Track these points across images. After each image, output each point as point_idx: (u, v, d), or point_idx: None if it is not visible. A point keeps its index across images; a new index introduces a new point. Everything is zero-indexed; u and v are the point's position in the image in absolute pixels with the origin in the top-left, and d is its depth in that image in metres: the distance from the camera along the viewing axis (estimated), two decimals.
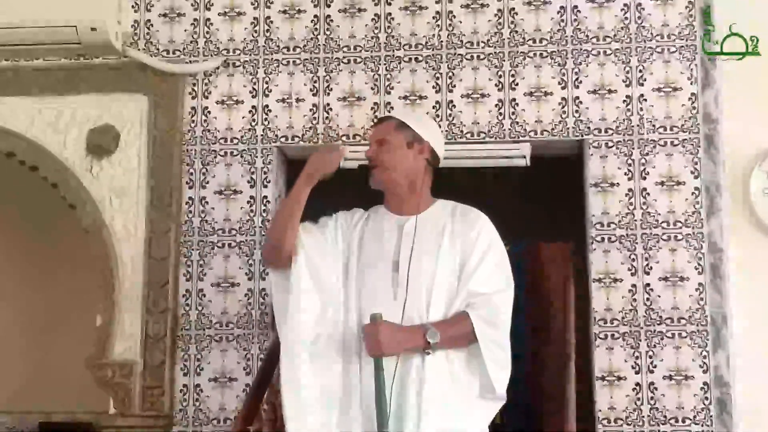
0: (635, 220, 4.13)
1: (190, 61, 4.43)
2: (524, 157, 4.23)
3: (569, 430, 3.59)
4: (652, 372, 4.02)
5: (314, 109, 4.35)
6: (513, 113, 4.26)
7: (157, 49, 4.46)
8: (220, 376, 4.20)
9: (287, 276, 3.14)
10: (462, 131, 4.24)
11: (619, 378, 4.03)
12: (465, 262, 3.04)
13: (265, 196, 4.32)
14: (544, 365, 3.99)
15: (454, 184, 3.49)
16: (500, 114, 4.26)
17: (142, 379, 4.22)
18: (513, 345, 3.06)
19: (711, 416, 3.96)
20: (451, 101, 4.28)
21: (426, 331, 2.94)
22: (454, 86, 4.29)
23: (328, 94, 4.34)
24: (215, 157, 4.37)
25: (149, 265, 4.30)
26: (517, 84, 4.27)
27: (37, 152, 4.44)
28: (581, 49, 4.26)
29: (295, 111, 4.35)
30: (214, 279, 4.28)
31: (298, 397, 3.05)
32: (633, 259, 4.10)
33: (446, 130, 4.21)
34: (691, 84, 4.19)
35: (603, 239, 4.13)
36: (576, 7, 4.29)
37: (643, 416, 4.00)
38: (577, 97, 4.24)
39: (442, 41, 4.33)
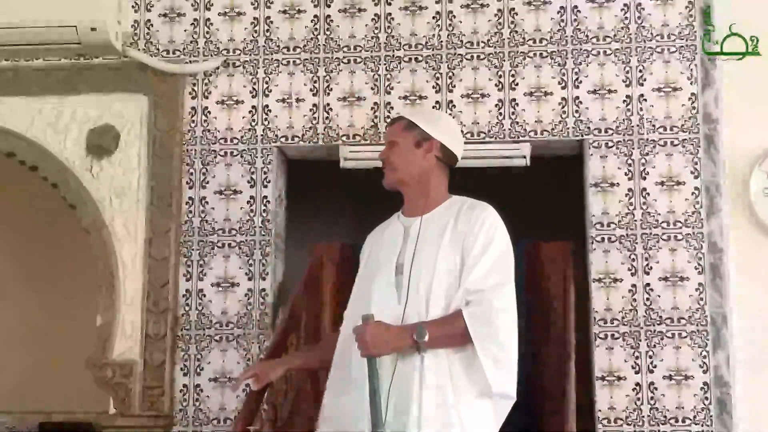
0: (635, 220, 4.13)
1: (190, 61, 4.43)
2: (524, 157, 4.23)
3: (569, 430, 3.59)
4: (652, 372, 4.02)
5: (314, 109, 4.35)
6: (513, 113, 4.26)
7: (157, 49, 4.46)
8: (220, 376, 4.21)
9: None
10: (462, 131, 4.23)
11: (619, 378, 4.03)
12: (465, 258, 3.02)
13: (265, 196, 4.32)
14: (544, 365, 3.99)
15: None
16: (500, 114, 4.26)
17: (142, 379, 4.22)
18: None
19: (711, 416, 3.97)
20: (451, 101, 4.28)
21: (414, 331, 2.93)
22: (454, 86, 4.29)
23: (328, 94, 4.35)
24: (215, 157, 4.37)
25: (149, 265, 4.31)
26: (517, 84, 4.27)
27: (37, 152, 4.44)
28: (581, 49, 4.26)
29: (295, 111, 4.36)
30: (214, 279, 4.28)
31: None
32: (633, 259, 4.10)
33: None
34: (691, 84, 4.19)
35: (603, 239, 4.13)
36: (576, 7, 4.29)
37: (643, 416, 4.00)
38: (577, 97, 4.24)
39: (442, 41, 4.33)
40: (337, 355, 3.12)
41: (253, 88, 4.39)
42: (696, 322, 4.04)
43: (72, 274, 5.64)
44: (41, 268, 5.88)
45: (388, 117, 4.29)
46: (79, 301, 5.31)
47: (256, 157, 4.35)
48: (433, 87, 4.30)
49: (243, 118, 4.38)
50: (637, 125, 4.19)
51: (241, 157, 4.36)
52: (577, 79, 4.25)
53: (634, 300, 4.07)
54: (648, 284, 4.08)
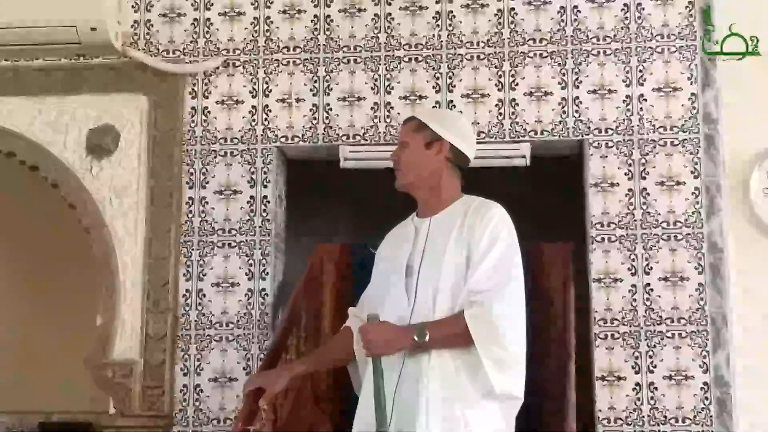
0: (635, 220, 4.13)
1: (190, 61, 4.43)
2: (524, 157, 4.23)
3: (569, 430, 3.59)
4: (652, 372, 4.02)
5: (314, 109, 4.35)
6: (513, 113, 4.26)
7: (157, 49, 4.46)
8: (220, 376, 4.21)
9: None
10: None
11: (619, 378, 4.03)
12: (470, 258, 3.02)
13: (265, 196, 4.32)
14: (544, 365, 3.99)
15: None
16: (500, 114, 4.26)
17: (142, 379, 4.22)
18: None
19: (711, 416, 3.96)
20: (451, 101, 4.28)
21: (415, 331, 2.93)
22: (454, 86, 4.29)
23: (328, 94, 4.34)
24: (215, 157, 4.37)
25: (149, 265, 4.31)
26: (517, 84, 4.27)
27: (37, 152, 4.44)
28: (581, 49, 4.26)
29: (295, 111, 4.35)
30: (214, 279, 4.28)
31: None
32: (633, 259, 4.10)
33: None
34: (691, 84, 4.19)
35: (603, 239, 4.13)
36: (576, 7, 4.29)
37: (643, 416, 4.00)
38: (577, 97, 4.24)
39: (442, 41, 4.33)
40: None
41: (253, 88, 4.39)
42: (696, 322, 4.04)
43: (72, 274, 5.64)
44: (41, 268, 5.88)
45: (388, 117, 4.29)
46: (79, 301, 5.31)
47: (256, 157, 4.35)
48: (433, 87, 4.30)
49: (243, 118, 4.38)
50: (637, 125, 4.19)
51: (241, 157, 4.36)
52: (577, 79, 4.25)
53: (634, 300, 4.07)
54: (648, 284, 4.08)
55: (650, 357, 4.03)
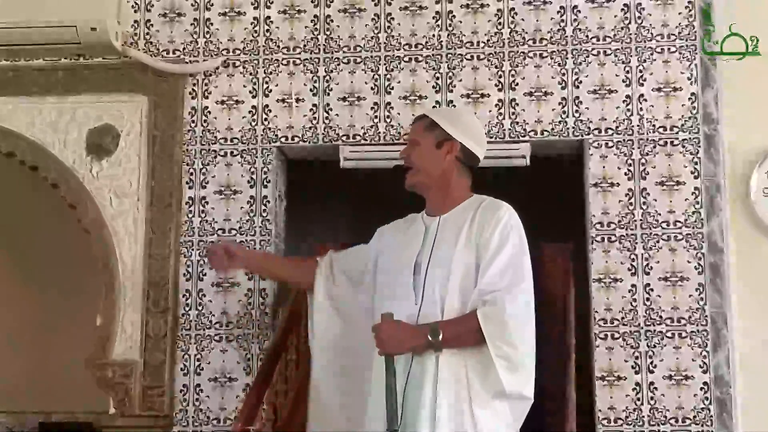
0: (635, 220, 4.13)
1: (190, 61, 4.43)
2: (524, 157, 4.23)
3: (569, 430, 3.59)
4: (652, 372, 4.02)
5: (314, 109, 4.35)
6: (513, 113, 4.26)
7: (157, 49, 4.46)
8: (220, 376, 4.20)
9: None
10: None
11: (619, 378, 4.03)
12: (481, 258, 3.02)
13: (265, 196, 4.32)
14: (544, 365, 3.98)
15: None
16: (500, 114, 4.26)
17: (142, 379, 4.22)
18: None
19: (711, 416, 3.96)
20: (451, 101, 4.28)
21: (428, 330, 2.93)
22: (454, 86, 4.29)
23: (328, 94, 4.34)
24: (215, 157, 4.37)
25: (149, 265, 4.30)
26: (517, 84, 4.27)
27: (37, 152, 4.44)
28: (581, 49, 4.26)
29: (295, 111, 4.35)
30: (214, 279, 4.28)
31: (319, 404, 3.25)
32: (633, 259, 4.10)
33: None
34: (691, 84, 4.19)
35: (603, 239, 4.13)
36: (576, 7, 4.29)
37: (643, 416, 3.99)
38: (577, 97, 4.24)
39: (442, 41, 4.33)
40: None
41: (253, 88, 4.39)
42: (696, 322, 4.03)
43: (72, 274, 5.64)
44: (41, 268, 5.87)
45: (388, 117, 4.29)
46: (79, 301, 5.31)
47: (256, 157, 4.35)
48: (433, 87, 4.30)
49: (243, 118, 4.38)
50: (637, 125, 4.19)
51: (241, 157, 4.36)
52: (577, 79, 4.25)
53: (634, 300, 4.07)
54: (648, 284, 4.08)
55: (650, 357, 4.03)
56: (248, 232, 4.29)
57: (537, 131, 4.24)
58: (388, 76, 4.33)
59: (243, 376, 4.17)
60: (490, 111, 4.26)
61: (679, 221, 4.11)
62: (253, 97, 4.39)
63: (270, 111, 4.37)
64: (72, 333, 5.41)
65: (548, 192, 4.90)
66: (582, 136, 4.22)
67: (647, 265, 4.09)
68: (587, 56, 4.26)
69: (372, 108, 4.32)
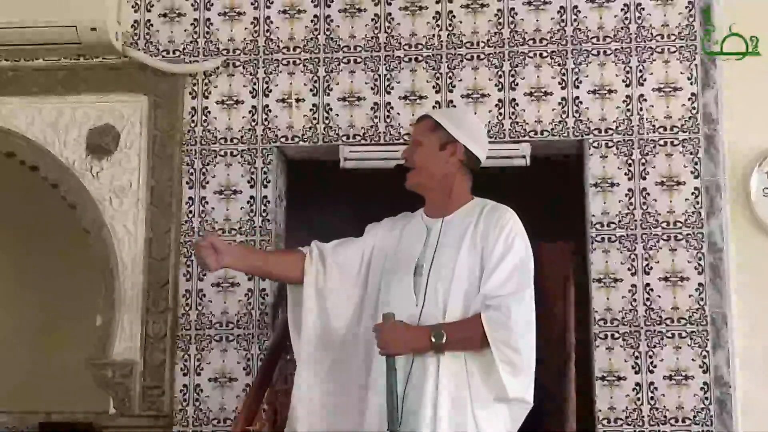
0: (635, 220, 4.13)
1: (190, 61, 4.43)
2: (524, 157, 4.23)
3: (569, 430, 3.59)
4: (652, 372, 4.02)
5: (314, 109, 4.35)
6: (513, 113, 4.26)
7: (157, 49, 4.45)
8: (220, 376, 4.20)
9: (300, 291, 3.30)
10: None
11: (619, 378, 4.03)
12: (484, 263, 3.02)
13: (265, 196, 4.32)
14: (544, 365, 3.98)
15: None
16: (500, 114, 4.26)
17: (142, 379, 4.22)
18: None
19: (711, 416, 3.96)
20: (451, 101, 4.28)
21: (433, 332, 2.93)
22: (454, 86, 4.29)
23: (328, 94, 4.34)
24: (215, 157, 4.37)
25: (149, 265, 4.30)
26: (517, 84, 4.27)
27: (37, 152, 4.44)
28: (581, 49, 4.26)
29: (295, 111, 4.35)
30: (214, 279, 4.27)
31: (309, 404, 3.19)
32: (633, 259, 4.10)
33: None
34: (691, 84, 4.19)
35: (603, 239, 4.13)
36: (576, 7, 4.28)
37: (643, 416, 3.99)
38: (577, 97, 4.24)
39: (442, 41, 4.33)
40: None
41: (253, 88, 4.39)
42: (696, 322, 4.03)
43: (72, 274, 5.64)
44: (41, 268, 5.88)
45: (388, 117, 4.29)
46: (79, 301, 5.31)
47: (256, 157, 4.35)
48: (433, 87, 4.30)
49: (243, 118, 4.38)
50: (637, 125, 4.19)
51: (241, 157, 4.35)
52: (577, 79, 4.25)
53: (634, 300, 4.07)
54: (648, 284, 4.08)
55: (650, 357, 4.03)
56: (248, 232, 4.29)
57: (537, 131, 4.24)
58: (388, 76, 4.33)
59: (243, 376, 4.17)
60: (490, 111, 4.26)
61: (679, 221, 4.11)
62: (253, 97, 4.39)
63: (270, 111, 4.37)
64: (72, 333, 5.42)
65: (548, 192, 4.89)
66: (582, 136, 4.22)
67: (647, 265, 4.09)
68: (587, 56, 4.26)
69: (372, 108, 4.32)
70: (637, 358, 4.03)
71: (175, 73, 4.41)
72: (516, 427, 3.02)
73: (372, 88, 4.33)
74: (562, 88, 4.25)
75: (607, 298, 4.08)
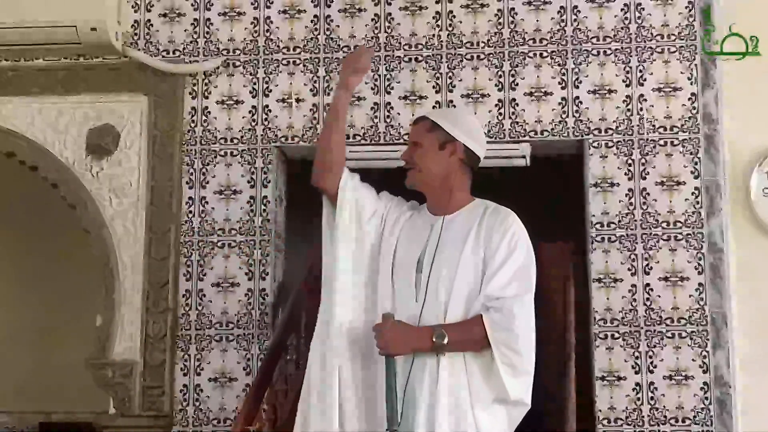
0: (635, 220, 4.13)
1: (190, 61, 4.43)
2: (524, 157, 4.23)
3: (569, 430, 3.58)
4: (652, 372, 4.02)
5: (314, 109, 4.35)
6: (513, 113, 4.26)
7: (157, 49, 4.46)
8: (220, 376, 4.21)
9: (333, 215, 3.26)
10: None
11: (619, 378, 4.03)
12: (487, 264, 3.02)
13: (265, 196, 4.32)
14: (544, 365, 3.98)
15: None
16: (500, 114, 4.26)
17: (142, 379, 4.22)
18: None
19: (711, 416, 3.97)
20: (451, 101, 4.28)
21: (434, 333, 2.93)
22: (454, 86, 4.29)
23: (328, 94, 4.34)
24: (215, 157, 4.37)
25: (149, 265, 4.31)
26: (517, 84, 4.27)
27: (37, 152, 4.44)
28: (581, 49, 4.26)
29: (295, 111, 4.35)
30: (214, 279, 4.28)
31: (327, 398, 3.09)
32: (633, 259, 4.10)
33: None
34: (691, 84, 4.19)
35: (603, 239, 4.13)
36: (576, 7, 4.29)
37: (643, 416, 4.00)
38: (577, 97, 4.24)
39: (442, 41, 4.33)
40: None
41: (253, 88, 4.39)
42: (696, 322, 4.04)
43: (72, 274, 5.65)
44: (41, 268, 5.88)
45: (388, 117, 4.29)
46: (79, 301, 5.32)
47: (256, 157, 4.35)
48: (433, 87, 4.30)
49: (243, 118, 4.38)
50: (637, 125, 4.19)
51: (241, 157, 4.36)
52: (577, 79, 4.25)
53: (634, 300, 4.07)
54: (648, 284, 4.08)
55: (650, 357, 4.03)
56: (248, 232, 4.30)
57: (537, 131, 4.24)
58: (388, 76, 4.33)
59: (243, 376, 4.18)
60: (490, 111, 4.26)
61: (679, 221, 4.11)
62: (253, 97, 4.39)
63: (270, 111, 4.37)
64: (72, 333, 5.42)
65: (548, 192, 4.89)
66: (582, 136, 4.22)
67: (647, 265, 4.09)
68: (587, 56, 4.26)
69: (372, 108, 4.32)
70: (637, 358, 4.03)
71: (175, 73, 4.41)
72: (513, 427, 3.02)
73: (372, 88, 4.33)
74: (562, 88, 4.25)
75: (607, 298, 4.09)
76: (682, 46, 4.22)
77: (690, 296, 4.05)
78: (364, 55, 3.21)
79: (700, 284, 4.06)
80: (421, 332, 2.95)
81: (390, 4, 4.36)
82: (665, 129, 4.18)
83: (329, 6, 4.40)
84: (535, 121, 4.24)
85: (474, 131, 3.23)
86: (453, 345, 2.93)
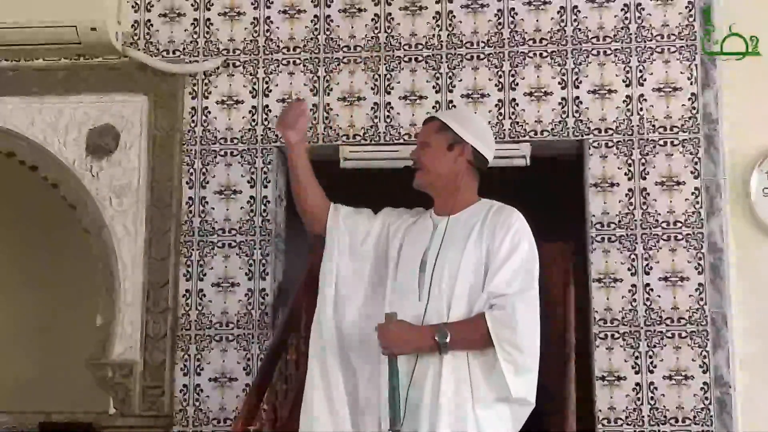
0: (635, 220, 4.13)
1: (190, 61, 4.43)
2: (524, 157, 4.23)
3: (569, 430, 3.58)
4: (652, 372, 4.02)
5: (314, 109, 4.35)
6: (513, 113, 4.26)
7: (157, 49, 4.46)
8: (220, 376, 4.21)
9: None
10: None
11: (619, 378, 4.03)
12: (490, 262, 3.02)
13: (265, 196, 4.32)
14: (544, 365, 3.98)
15: None
16: (500, 114, 4.26)
17: (142, 379, 4.22)
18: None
19: (711, 416, 3.96)
20: (451, 101, 4.28)
21: (436, 332, 2.93)
22: (454, 86, 4.29)
23: (328, 94, 4.34)
24: (215, 157, 4.37)
25: (149, 265, 4.31)
26: (517, 84, 4.27)
27: (37, 152, 4.44)
28: (581, 49, 4.26)
29: None
30: (214, 279, 4.28)
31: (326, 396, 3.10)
32: (633, 259, 4.10)
33: None
34: (691, 84, 4.19)
35: (603, 239, 4.13)
36: (576, 7, 4.29)
37: (643, 416, 4.00)
38: (577, 97, 4.24)
39: (442, 41, 4.33)
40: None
41: (253, 88, 4.39)
42: (696, 322, 4.04)
43: (72, 274, 5.64)
44: (41, 268, 5.88)
45: (388, 117, 4.29)
46: (79, 301, 5.32)
47: (256, 157, 4.35)
48: (433, 87, 4.30)
49: (243, 118, 4.38)
50: (637, 125, 4.19)
51: (241, 157, 4.36)
52: (577, 79, 4.25)
53: (634, 300, 4.07)
54: (648, 284, 4.08)
55: (650, 357, 4.03)
56: (248, 232, 4.30)
57: (537, 131, 4.24)
58: (388, 76, 4.33)
59: (243, 376, 4.18)
60: (490, 111, 4.26)
61: (679, 221, 4.12)
62: (253, 97, 4.39)
63: (270, 111, 4.37)
64: (72, 333, 5.42)
65: (548, 192, 4.89)
66: (582, 136, 4.22)
67: (647, 265, 4.09)
68: (587, 56, 4.26)
69: (372, 108, 4.32)
70: (637, 358, 4.03)
71: (175, 73, 4.41)
72: (518, 427, 3.02)
73: (372, 88, 4.33)
74: (562, 88, 4.25)
75: (607, 298, 4.09)
76: (682, 46, 4.22)
77: (690, 296, 4.05)
78: (291, 111, 3.21)
79: (700, 284, 4.06)
80: (424, 331, 2.95)
81: (390, 4, 4.37)
82: (665, 129, 4.18)
83: (329, 6, 4.40)
84: (535, 121, 4.24)
85: (483, 133, 3.23)
86: (455, 344, 2.93)
